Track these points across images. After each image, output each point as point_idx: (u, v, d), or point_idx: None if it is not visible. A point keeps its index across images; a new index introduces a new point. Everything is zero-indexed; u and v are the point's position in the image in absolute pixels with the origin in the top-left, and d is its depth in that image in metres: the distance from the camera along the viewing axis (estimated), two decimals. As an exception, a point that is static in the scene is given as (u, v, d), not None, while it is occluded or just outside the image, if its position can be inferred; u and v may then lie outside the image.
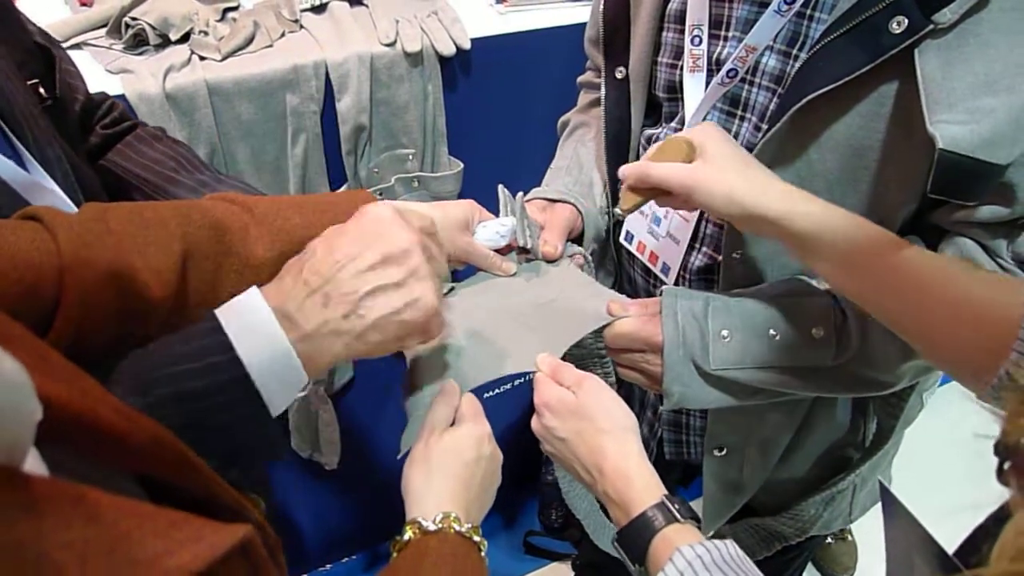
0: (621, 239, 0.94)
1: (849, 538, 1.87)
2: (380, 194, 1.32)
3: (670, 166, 0.68)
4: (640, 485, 0.63)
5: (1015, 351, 0.53)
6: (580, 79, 1.06)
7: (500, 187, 0.83)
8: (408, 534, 0.57)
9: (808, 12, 0.68)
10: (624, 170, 0.72)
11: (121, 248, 0.54)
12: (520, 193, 0.85)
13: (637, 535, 0.60)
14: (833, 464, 0.92)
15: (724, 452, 0.88)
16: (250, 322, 0.52)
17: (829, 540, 1.86)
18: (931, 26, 0.57)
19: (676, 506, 0.61)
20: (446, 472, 0.61)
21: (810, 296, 0.73)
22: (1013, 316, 0.53)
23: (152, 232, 0.56)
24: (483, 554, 0.59)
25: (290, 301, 0.53)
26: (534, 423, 0.71)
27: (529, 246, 0.81)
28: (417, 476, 0.61)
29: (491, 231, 0.80)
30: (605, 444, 0.65)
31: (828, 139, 0.66)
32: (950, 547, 0.46)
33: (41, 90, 0.71)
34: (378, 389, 1.54)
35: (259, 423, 0.52)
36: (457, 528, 0.58)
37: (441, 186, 1.36)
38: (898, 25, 0.58)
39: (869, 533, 1.01)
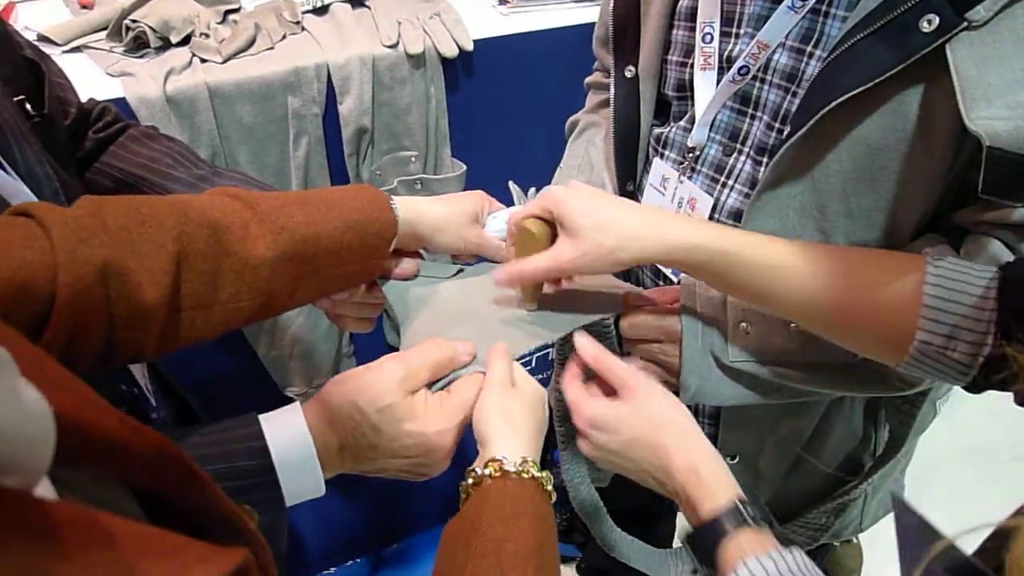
0: None
1: (854, 541, 1.86)
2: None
3: (537, 260, 0.68)
4: (711, 484, 0.61)
5: (922, 318, 0.57)
6: (588, 80, 1.05)
7: (511, 183, 0.82)
8: (489, 470, 0.59)
9: (824, 8, 0.67)
10: (499, 277, 0.72)
11: (115, 246, 0.52)
12: (532, 188, 0.84)
13: (706, 538, 0.59)
14: (844, 472, 0.91)
15: (736, 460, 0.87)
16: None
17: (835, 543, 1.84)
18: (964, 24, 0.56)
19: (748, 510, 0.59)
20: (527, 424, 0.63)
21: None
22: (910, 289, 0.58)
23: (147, 230, 0.55)
24: (552, 499, 0.61)
25: (329, 443, 0.61)
26: (583, 446, 0.68)
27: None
28: (498, 420, 0.62)
29: (502, 221, 0.78)
30: (666, 442, 0.63)
31: (847, 139, 0.65)
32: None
33: (28, 107, 0.70)
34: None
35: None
36: (535, 472, 0.59)
37: (444, 188, 1.36)
38: (929, 24, 0.57)
39: (874, 536, 1.00)
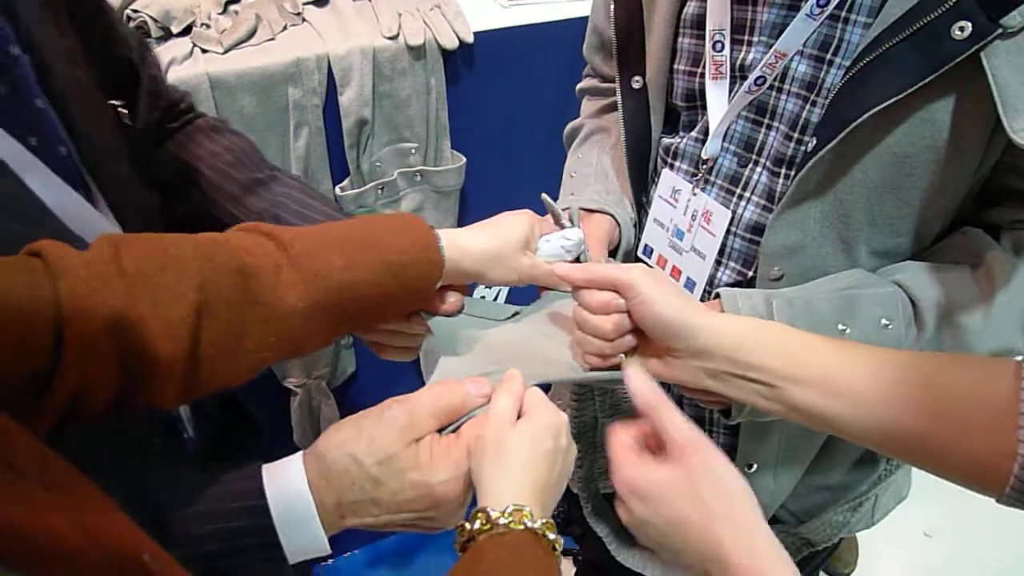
0: (639, 252, 0.90)
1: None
2: (382, 189, 1.32)
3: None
4: None
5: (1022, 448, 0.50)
6: (580, 86, 1.02)
7: (544, 196, 0.78)
8: (477, 523, 0.54)
9: (843, 15, 0.64)
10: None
11: (131, 293, 0.49)
12: (575, 204, 0.80)
13: None
14: (862, 470, 0.90)
15: (754, 468, 0.85)
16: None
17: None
18: (999, 30, 0.54)
19: None
20: (524, 460, 0.57)
21: (874, 287, 0.69)
22: (1004, 400, 0.50)
23: (168, 275, 0.51)
24: (557, 552, 0.55)
25: (326, 500, 0.57)
26: (621, 513, 0.60)
27: (581, 261, 0.75)
28: (491, 465, 0.57)
29: (555, 246, 0.73)
30: (722, 536, 0.53)
31: (874, 150, 0.63)
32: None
33: (123, 111, 0.66)
34: (380, 382, 1.54)
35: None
36: (528, 523, 0.54)
37: (444, 180, 1.36)
38: (961, 31, 0.55)
39: (871, 529, 1.00)
